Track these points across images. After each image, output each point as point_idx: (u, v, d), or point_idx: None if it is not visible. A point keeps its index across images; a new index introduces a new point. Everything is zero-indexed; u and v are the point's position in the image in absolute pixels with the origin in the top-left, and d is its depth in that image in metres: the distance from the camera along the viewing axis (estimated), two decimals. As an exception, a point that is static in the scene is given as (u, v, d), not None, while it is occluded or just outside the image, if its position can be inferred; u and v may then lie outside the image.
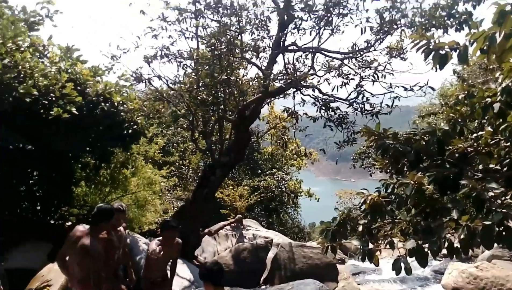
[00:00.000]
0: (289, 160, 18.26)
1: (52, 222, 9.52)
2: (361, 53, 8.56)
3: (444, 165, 3.03)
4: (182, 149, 16.99)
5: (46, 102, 7.67)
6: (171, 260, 4.81)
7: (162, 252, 4.52)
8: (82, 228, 4.10)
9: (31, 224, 8.77)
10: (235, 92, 9.69)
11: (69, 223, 9.76)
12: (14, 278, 7.04)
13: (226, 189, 15.33)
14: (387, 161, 3.64)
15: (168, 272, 4.81)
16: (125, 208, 4.77)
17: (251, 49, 8.79)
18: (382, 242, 2.99)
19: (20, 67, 7.51)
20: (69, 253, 4.07)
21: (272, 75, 8.87)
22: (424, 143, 3.34)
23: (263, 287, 6.55)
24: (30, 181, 9.06)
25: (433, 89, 7.76)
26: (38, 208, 9.29)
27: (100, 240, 4.05)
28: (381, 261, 10.39)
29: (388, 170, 3.63)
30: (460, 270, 8.40)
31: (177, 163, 16.25)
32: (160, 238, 4.66)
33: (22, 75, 7.52)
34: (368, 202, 2.88)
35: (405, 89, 7.86)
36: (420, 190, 2.67)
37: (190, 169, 16.89)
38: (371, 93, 8.37)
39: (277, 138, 12.22)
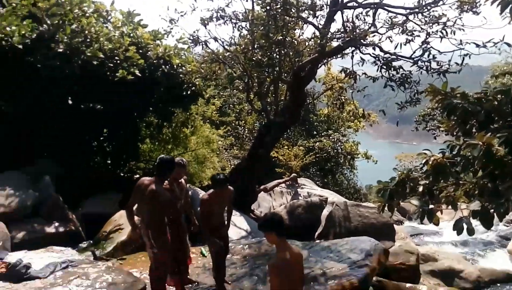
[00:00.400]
0: (346, 122, 17.81)
1: (122, 175, 10.34)
2: (428, 7, 7.85)
3: (517, 127, 2.83)
4: (238, 110, 17.27)
5: (111, 64, 8.16)
6: (226, 208, 4.95)
7: (215, 205, 4.69)
8: (148, 178, 4.41)
9: (104, 176, 9.60)
10: (291, 52, 9.50)
11: (137, 176, 10.56)
12: (90, 222, 7.88)
13: (281, 149, 15.48)
14: (453, 122, 3.45)
15: (225, 218, 4.97)
16: (185, 163, 5.00)
17: (307, 7, 8.46)
18: (444, 203, 2.91)
19: (86, 32, 7.99)
20: (137, 201, 4.39)
21: (330, 34, 8.51)
22: (496, 103, 3.12)
23: (317, 241, 6.72)
24: (101, 138, 9.86)
25: (509, 45, 6.98)
26: (109, 162, 10.13)
27: (164, 189, 4.35)
28: (442, 224, 10.09)
29: (455, 132, 3.45)
30: (528, 237, 7.97)
31: (233, 124, 16.61)
32: (210, 191, 4.81)
33: (88, 40, 8.01)
34: (430, 162, 2.78)
35: (477, 46, 7.16)
36: (489, 151, 2.52)
37: (246, 129, 17.21)
38: (439, 51, 7.74)
39: (334, 99, 11.89)
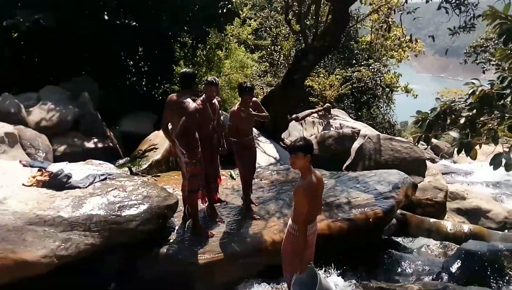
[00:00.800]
0: (389, 50, 16.73)
1: (156, 96, 10.50)
2: None
3: None
4: (275, 34, 16.55)
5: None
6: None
7: (244, 115, 4.69)
8: (175, 94, 4.50)
9: (139, 97, 9.78)
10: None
11: (171, 98, 10.71)
12: (127, 140, 8.21)
13: (317, 77, 14.99)
14: (509, 51, 3.13)
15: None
16: (217, 81, 4.89)
17: None
18: (485, 137, 2.74)
19: None
20: (169, 117, 4.47)
21: None
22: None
23: (345, 172, 6.73)
24: (136, 57, 9.87)
25: None
26: (144, 83, 10.24)
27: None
28: (475, 164, 9.76)
29: (509, 64, 3.14)
30: None
31: (268, 49, 16.05)
32: (238, 104, 4.79)
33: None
34: (477, 93, 2.57)
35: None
36: (545, 82, 2.28)
37: (282, 55, 16.60)
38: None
39: (380, 22, 10.97)
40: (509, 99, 2.76)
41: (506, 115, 2.70)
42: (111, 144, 7.95)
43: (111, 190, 4.70)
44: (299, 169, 3.33)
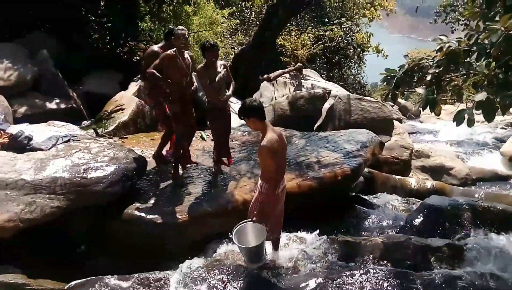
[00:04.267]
0: (361, 9, 16.55)
1: (121, 55, 10.03)
2: None
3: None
4: (246, -11, 15.95)
5: None
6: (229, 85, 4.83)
7: (214, 75, 4.57)
8: (156, 46, 4.83)
9: (103, 55, 9.30)
10: None
11: (137, 57, 10.26)
12: (91, 100, 7.88)
13: (289, 36, 14.72)
14: (477, 9, 3.13)
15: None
16: (186, 32, 4.63)
17: None
18: (450, 93, 2.78)
19: None
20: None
21: None
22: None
23: (316, 132, 6.79)
24: (98, 12, 9.28)
25: None
26: (108, 40, 9.71)
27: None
28: (439, 124, 10.13)
29: (476, 22, 3.15)
30: (525, 139, 8.03)
31: (239, 5, 15.49)
32: (203, 64, 4.65)
33: None
34: (444, 49, 2.57)
35: None
36: (509, 38, 2.29)
37: (253, 12, 16.10)
38: None
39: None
40: (475, 56, 2.79)
41: (471, 72, 2.74)
42: (74, 105, 7.58)
43: (76, 152, 4.55)
44: (259, 129, 3.42)
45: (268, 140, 3.26)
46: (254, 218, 3.47)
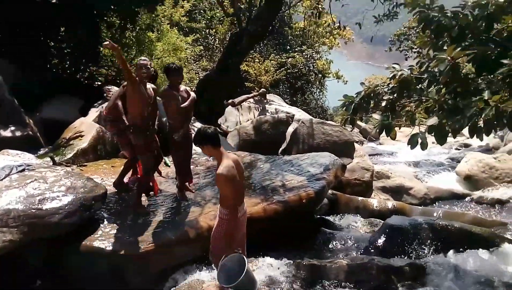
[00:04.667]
0: (321, 37, 17.29)
1: (82, 80, 9.81)
2: None
3: (488, 44, 2.77)
4: (209, 17, 16.24)
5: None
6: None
7: (179, 98, 4.57)
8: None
9: (63, 80, 9.06)
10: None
11: (98, 83, 10.07)
12: (49, 127, 7.58)
13: (252, 63, 15.04)
14: (427, 38, 3.36)
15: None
16: (147, 61, 4.67)
17: None
18: (404, 118, 2.93)
19: None
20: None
21: None
22: (471, 18, 3.01)
23: (280, 156, 6.87)
24: (58, 37, 9.09)
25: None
26: (67, 65, 9.50)
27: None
28: (397, 146, 10.48)
29: (427, 50, 3.38)
30: (478, 159, 8.46)
31: (203, 32, 15.73)
32: (167, 86, 4.68)
33: None
34: (397, 77, 2.72)
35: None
36: (456, 67, 2.48)
37: (217, 39, 16.38)
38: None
39: (311, 7, 11.24)
40: (426, 83, 2.96)
41: (423, 98, 2.90)
42: (30, 133, 7.26)
43: (30, 182, 4.33)
44: (214, 156, 3.46)
45: (224, 167, 3.25)
46: (225, 255, 3.37)
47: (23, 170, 4.62)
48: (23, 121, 7.34)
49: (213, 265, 3.81)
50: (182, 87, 4.79)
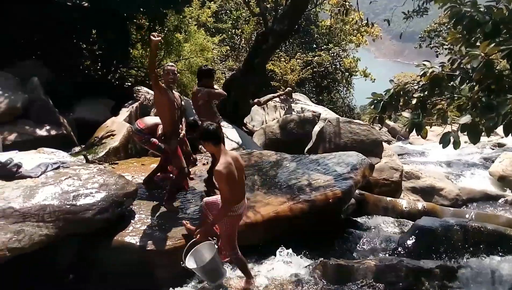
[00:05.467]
0: (348, 35, 17.05)
1: (113, 81, 10.10)
2: None
3: (525, 39, 2.66)
4: (235, 17, 16.34)
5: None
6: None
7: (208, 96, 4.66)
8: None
9: (94, 82, 9.36)
10: None
11: (128, 83, 10.34)
12: (81, 127, 7.86)
13: (278, 62, 15.02)
14: (459, 34, 3.26)
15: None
16: (174, 67, 4.79)
17: None
18: (435, 117, 2.86)
19: None
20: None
21: None
22: (506, 13, 2.90)
23: (306, 155, 6.84)
24: (90, 40, 9.40)
25: None
26: (99, 67, 9.80)
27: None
28: (428, 145, 10.21)
29: (459, 47, 3.28)
30: (512, 159, 8.15)
31: (229, 32, 15.85)
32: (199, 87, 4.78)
33: None
34: (428, 74, 2.66)
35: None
36: (489, 63, 2.39)
37: (243, 39, 16.46)
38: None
39: (337, 5, 11.10)
40: (458, 80, 2.88)
41: (455, 96, 2.82)
42: (64, 132, 7.55)
43: (65, 179, 4.50)
44: (214, 153, 3.58)
45: (221, 164, 3.33)
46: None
47: (58, 167, 4.80)
48: (58, 120, 7.64)
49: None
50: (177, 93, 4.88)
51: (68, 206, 4.09)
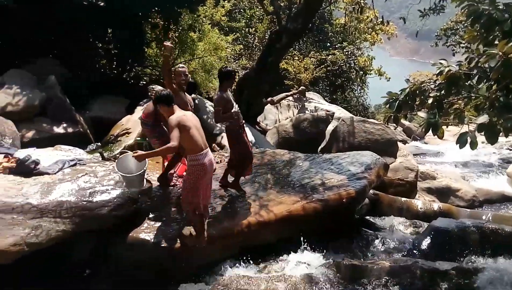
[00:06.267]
0: (363, 33, 16.87)
1: (128, 80, 10.21)
2: None
3: (546, 37, 2.59)
4: (249, 16, 16.34)
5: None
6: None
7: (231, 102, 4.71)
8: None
9: (110, 80, 9.48)
10: None
11: (143, 82, 10.45)
12: (97, 125, 7.98)
13: (292, 60, 14.98)
14: (477, 33, 3.20)
15: None
16: (185, 68, 4.86)
17: None
18: (451, 116, 2.81)
19: None
20: None
21: None
22: (527, 10, 2.84)
23: (320, 154, 6.80)
24: (105, 39, 9.52)
25: None
26: (114, 66, 9.92)
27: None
28: (444, 145, 10.06)
29: (476, 45, 3.22)
30: (531, 160, 7.97)
31: (243, 31, 15.86)
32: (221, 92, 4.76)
33: None
34: (445, 73, 2.62)
35: None
36: (508, 62, 2.34)
37: (256, 37, 16.45)
38: None
39: (352, 3, 11.01)
40: (475, 79, 2.83)
41: (472, 95, 2.77)
42: (81, 129, 7.68)
43: (82, 175, 4.59)
44: (169, 114, 3.93)
45: (174, 116, 3.85)
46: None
47: (75, 164, 4.90)
48: (74, 118, 7.77)
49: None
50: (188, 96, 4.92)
51: (85, 203, 4.17)
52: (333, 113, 10.03)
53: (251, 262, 4.26)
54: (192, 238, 4.10)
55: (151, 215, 4.61)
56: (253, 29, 16.15)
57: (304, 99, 12.58)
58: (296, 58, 15.13)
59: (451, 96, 2.78)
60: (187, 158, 4.05)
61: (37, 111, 7.59)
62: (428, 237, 4.64)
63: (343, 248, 4.73)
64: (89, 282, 4.10)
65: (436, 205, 6.26)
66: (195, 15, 10.13)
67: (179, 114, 3.89)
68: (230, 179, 5.16)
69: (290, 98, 12.38)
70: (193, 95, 5.04)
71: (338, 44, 17.54)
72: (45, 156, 4.93)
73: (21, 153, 4.90)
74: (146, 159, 4.14)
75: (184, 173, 4.23)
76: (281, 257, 4.35)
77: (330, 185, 5.09)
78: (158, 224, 4.45)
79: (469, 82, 2.89)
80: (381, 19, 10.46)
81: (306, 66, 14.87)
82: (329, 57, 16.35)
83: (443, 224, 4.81)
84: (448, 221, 5.02)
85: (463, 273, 3.87)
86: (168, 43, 4.56)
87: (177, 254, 4.13)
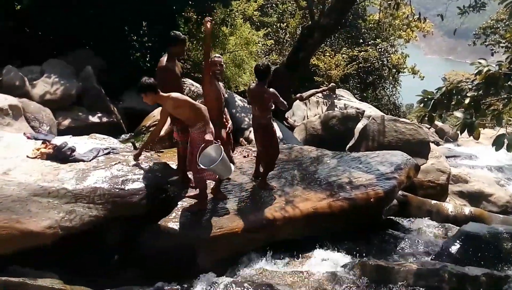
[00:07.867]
0: (397, 30, 16.42)
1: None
2: None
3: None
4: (281, 11, 16.25)
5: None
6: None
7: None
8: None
9: (143, 73, 9.69)
10: None
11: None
12: (130, 115, 8.21)
13: (323, 56, 14.80)
14: (520, 31, 3.06)
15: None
16: (221, 58, 4.88)
17: None
18: (489, 118, 2.72)
19: None
20: None
21: None
22: None
23: (348, 152, 6.72)
24: (140, 32, 9.75)
25: None
26: (148, 58, 10.14)
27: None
28: (478, 148, 9.74)
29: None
30: None
31: (274, 26, 15.80)
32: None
33: None
34: (483, 73, 2.53)
35: None
36: (554, 63, 2.24)
37: (288, 33, 16.35)
38: None
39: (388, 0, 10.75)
40: (516, 79, 2.72)
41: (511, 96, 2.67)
42: (115, 119, 7.95)
43: (115, 164, 4.74)
44: (159, 100, 4.10)
45: (171, 95, 3.99)
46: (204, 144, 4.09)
47: (109, 153, 5.05)
48: (109, 108, 8.05)
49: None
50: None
51: (117, 190, 4.31)
52: (363, 111, 9.85)
53: (275, 256, 4.28)
54: (196, 204, 4.42)
55: (179, 205, 4.72)
56: (285, 24, 16.05)
57: (334, 96, 12.42)
58: (327, 54, 14.94)
59: (489, 96, 2.69)
60: (190, 131, 4.21)
61: (74, 100, 7.91)
62: (458, 242, 4.51)
63: (369, 248, 4.67)
64: (117, 268, 4.23)
65: (468, 209, 6.08)
66: (228, 10, 10.20)
67: (174, 93, 4.04)
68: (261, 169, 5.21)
69: (320, 94, 12.26)
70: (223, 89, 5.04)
71: (371, 41, 17.15)
72: (81, 144, 5.12)
73: (58, 140, 5.10)
74: (216, 143, 4.16)
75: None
76: (305, 254, 4.35)
77: (358, 184, 5.03)
78: (186, 213, 4.54)
79: (509, 82, 2.78)
80: (417, 16, 10.15)
81: (337, 62, 14.66)
82: (361, 53, 16.03)
83: (474, 229, 4.66)
84: (480, 226, 4.86)
85: (495, 280, 3.74)
86: (208, 19, 4.44)
87: (202, 244, 4.21)
